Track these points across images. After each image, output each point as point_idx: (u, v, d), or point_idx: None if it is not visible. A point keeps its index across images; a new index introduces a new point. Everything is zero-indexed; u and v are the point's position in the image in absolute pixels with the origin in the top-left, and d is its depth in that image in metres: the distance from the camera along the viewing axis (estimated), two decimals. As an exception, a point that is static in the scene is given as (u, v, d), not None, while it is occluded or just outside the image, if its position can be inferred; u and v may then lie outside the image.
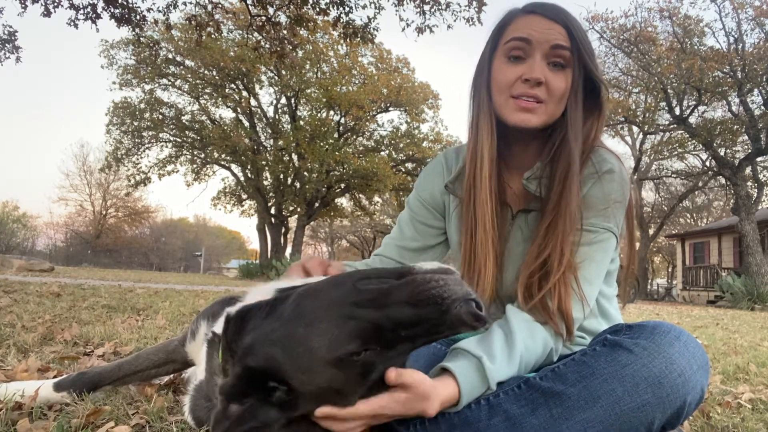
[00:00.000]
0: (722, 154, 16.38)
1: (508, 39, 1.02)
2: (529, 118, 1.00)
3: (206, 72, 19.44)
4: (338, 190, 22.03)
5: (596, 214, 1.00)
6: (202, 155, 21.54)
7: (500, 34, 1.05)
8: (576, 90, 1.01)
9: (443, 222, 1.24)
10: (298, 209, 21.00)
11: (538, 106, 0.99)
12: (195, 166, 22.01)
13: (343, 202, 24.94)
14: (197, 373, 1.08)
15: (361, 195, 23.13)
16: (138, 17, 7.35)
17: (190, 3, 7.80)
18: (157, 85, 19.95)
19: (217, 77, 19.53)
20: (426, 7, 7.55)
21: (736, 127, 15.16)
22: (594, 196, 1.01)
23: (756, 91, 14.59)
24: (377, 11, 7.75)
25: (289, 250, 22.55)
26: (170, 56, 18.94)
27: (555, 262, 0.94)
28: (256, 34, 8.33)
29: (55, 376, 1.44)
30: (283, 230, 22.08)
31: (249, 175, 21.36)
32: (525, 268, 0.99)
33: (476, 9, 7.42)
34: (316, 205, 21.70)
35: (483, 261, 1.03)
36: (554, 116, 1.02)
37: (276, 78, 20.21)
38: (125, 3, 7.19)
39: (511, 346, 0.90)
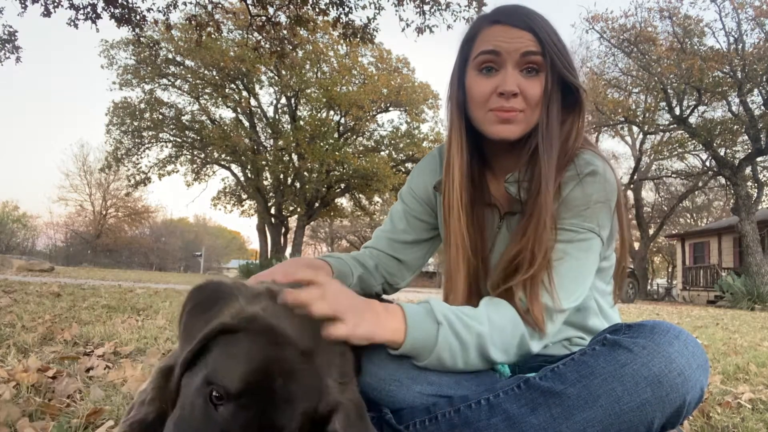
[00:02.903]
0: (722, 154, 16.37)
1: (477, 53, 1.01)
2: (508, 129, 1.00)
3: (206, 72, 19.45)
4: (338, 190, 22.04)
5: (575, 214, 0.98)
6: (202, 155, 21.55)
7: (469, 47, 1.05)
8: (549, 95, 0.99)
9: (435, 218, 1.25)
10: (298, 209, 21.01)
11: (517, 115, 0.99)
12: (195, 166, 22.02)
13: (343, 202, 24.98)
14: None
15: (361, 195, 23.15)
16: (138, 17, 7.35)
17: (190, 3, 7.81)
18: (157, 85, 19.97)
19: (217, 77, 19.54)
20: (426, 7, 7.55)
21: (736, 127, 15.16)
22: (574, 197, 0.99)
23: (756, 91, 14.59)
24: (377, 11, 7.75)
25: (289, 250, 22.57)
26: (170, 56, 18.96)
27: (525, 263, 0.94)
28: (256, 34, 8.33)
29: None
30: (283, 230, 22.09)
31: (249, 175, 21.37)
32: (499, 267, 1.00)
33: (476, 9, 7.42)
34: (316, 205, 21.71)
35: (455, 274, 1.05)
36: (533, 123, 1.01)
37: (276, 78, 20.21)
38: (125, 3, 7.19)
39: (472, 308, 0.90)
